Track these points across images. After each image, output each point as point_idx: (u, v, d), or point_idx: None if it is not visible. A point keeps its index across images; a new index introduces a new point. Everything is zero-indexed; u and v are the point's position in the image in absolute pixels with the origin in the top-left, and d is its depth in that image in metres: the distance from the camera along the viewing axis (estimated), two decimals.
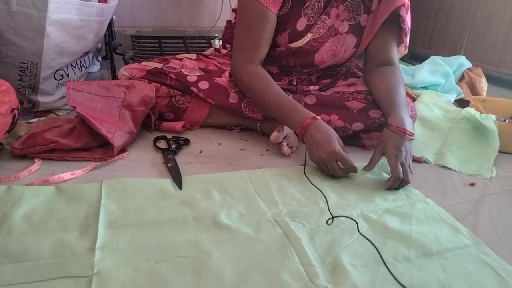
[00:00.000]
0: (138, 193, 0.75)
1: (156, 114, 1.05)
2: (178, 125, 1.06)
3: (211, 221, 0.69)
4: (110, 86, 1.00)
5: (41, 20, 0.97)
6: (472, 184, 0.92)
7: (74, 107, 0.90)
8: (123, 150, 0.93)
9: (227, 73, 1.08)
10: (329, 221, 0.71)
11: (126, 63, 1.42)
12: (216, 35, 2.02)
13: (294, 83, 1.12)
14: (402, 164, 0.84)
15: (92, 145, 0.90)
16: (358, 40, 1.06)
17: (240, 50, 1.01)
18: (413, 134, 0.88)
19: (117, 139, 0.89)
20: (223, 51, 1.21)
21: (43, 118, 1.08)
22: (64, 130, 0.90)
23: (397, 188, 0.85)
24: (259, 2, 0.95)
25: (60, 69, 1.11)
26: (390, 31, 1.04)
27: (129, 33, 1.96)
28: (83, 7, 1.05)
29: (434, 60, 1.62)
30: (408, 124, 0.88)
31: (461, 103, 1.48)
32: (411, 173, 0.86)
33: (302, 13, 1.00)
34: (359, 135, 1.05)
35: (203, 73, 1.08)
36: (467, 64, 1.65)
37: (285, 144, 0.98)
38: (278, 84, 0.99)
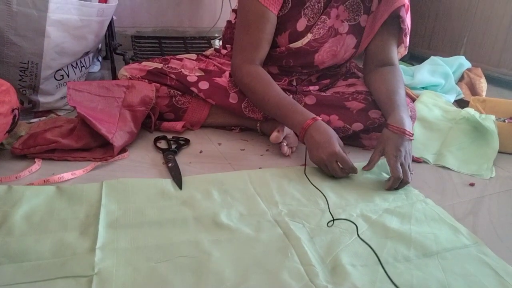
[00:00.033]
0: (139, 193, 0.75)
1: (156, 114, 1.05)
2: (178, 125, 1.06)
3: (211, 221, 0.69)
4: (111, 86, 1.00)
5: (42, 20, 0.97)
6: (472, 184, 0.92)
7: (75, 107, 0.90)
8: (123, 150, 0.93)
9: (227, 73, 1.09)
10: (330, 223, 0.71)
11: (127, 63, 1.42)
12: (216, 35, 2.02)
13: (294, 83, 1.12)
14: (402, 164, 0.84)
15: (92, 145, 0.90)
16: (358, 40, 1.06)
17: (240, 51, 1.01)
18: (413, 134, 0.89)
19: (118, 139, 0.90)
20: (223, 51, 1.21)
21: (44, 118, 1.08)
22: (65, 130, 0.90)
23: (396, 188, 0.85)
24: (259, 2, 0.95)
25: (61, 69, 1.11)
26: (390, 31, 1.04)
27: (129, 33, 1.96)
28: (83, 7, 1.05)
29: (434, 60, 1.62)
30: (408, 125, 0.88)
31: (461, 103, 1.48)
32: (411, 173, 0.86)
33: (302, 13, 1.00)
34: (358, 136, 1.05)
35: (203, 73, 1.08)
36: (467, 64, 1.66)
37: (285, 144, 0.98)
38: (278, 85, 0.99)
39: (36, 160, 0.85)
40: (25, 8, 0.94)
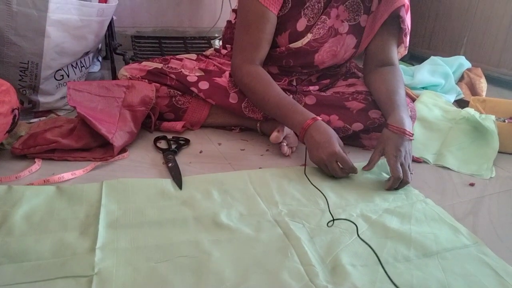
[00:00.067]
0: (139, 193, 0.75)
1: (156, 114, 1.05)
2: (178, 125, 1.06)
3: (211, 221, 0.69)
4: (111, 86, 1.00)
5: (42, 20, 0.97)
6: (472, 184, 0.92)
7: (75, 107, 0.90)
8: (123, 150, 0.93)
9: (227, 73, 1.09)
10: (330, 224, 0.71)
11: (126, 63, 1.42)
12: (216, 35, 2.02)
13: (294, 83, 1.12)
14: (402, 164, 0.84)
15: (92, 145, 0.90)
16: (358, 40, 1.06)
17: (240, 51, 1.01)
18: (413, 134, 0.89)
19: (118, 139, 0.90)
20: (223, 51, 1.21)
21: (44, 118, 1.08)
22: (65, 130, 0.90)
23: (396, 188, 0.85)
24: (259, 2, 0.95)
25: (61, 69, 1.11)
26: (390, 31, 1.04)
27: (129, 33, 1.96)
28: (83, 7, 1.05)
29: (434, 60, 1.62)
30: (408, 125, 0.88)
31: (461, 103, 1.48)
32: (411, 173, 0.86)
33: (302, 13, 1.00)
34: (359, 135, 1.05)
35: (203, 73, 1.08)
36: (467, 64, 1.66)
37: (285, 144, 0.98)
38: (278, 85, 0.99)
39: (36, 160, 0.85)
40: (25, 8, 0.94)
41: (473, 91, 1.55)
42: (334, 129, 0.91)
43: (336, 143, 0.86)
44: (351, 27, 1.04)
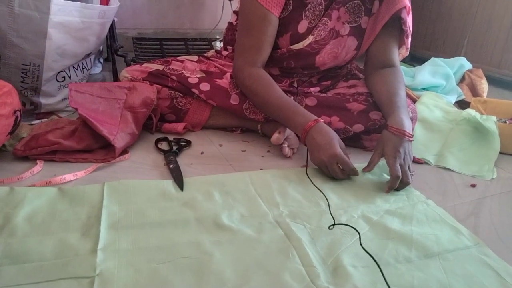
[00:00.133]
0: (140, 195, 0.75)
1: (158, 115, 1.05)
2: (180, 126, 1.06)
3: (213, 222, 0.69)
4: (112, 87, 1.00)
5: (43, 22, 0.97)
6: (473, 185, 0.92)
7: (76, 109, 0.90)
8: (124, 151, 0.93)
9: (228, 74, 1.09)
10: (331, 227, 0.71)
11: (128, 65, 1.42)
12: (217, 37, 2.02)
13: (295, 84, 1.12)
14: (401, 165, 0.84)
15: (94, 146, 0.90)
16: (359, 42, 1.07)
17: (242, 53, 1.01)
18: (413, 135, 0.89)
19: (119, 141, 0.90)
20: (224, 53, 1.22)
21: (45, 119, 1.08)
22: (66, 131, 0.90)
23: (397, 190, 0.85)
24: (260, 4, 0.95)
25: (62, 71, 1.12)
26: (391, 33, 1.04)
27: (131, 35, 1.97)
28: (85, 9, 1.05)
29: (435, 61, 1.62)
30: (408, 126, 0.88)
31: (462, 104, 1.48)
32: (411, 174, 0.86)
33: (303, 15, 1.00)
34: (359, 137, 1.05)
35: (204, 75, 1.08)
36: (468, 65, 1.66)
37: (286, 145, 0.98)
38: (279, 86, 0.99)
39: (37, 161, 0.85)
40: (27, 10, 0.95)
41: (474, 92, 1.55)
42: (335, 131, 0.91)
43: (337, 145, 0.86)
44: (352, 29, 1.04)
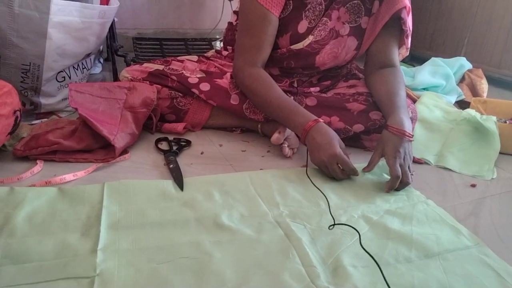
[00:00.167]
0: (140, 195, 0.75)
1: (158, 115, 1.05)
2: (180, 126, 1.06)
3: (212, 222, 0.69)
4: (112, 87, 1.00)
5: (43, 22, 0.97)
6: (473, 185, 0.92)
7: (76, 109, 0.90)
8: (124, 151, 0.93)
9: (228, 74, 1.09)
10: (331, 227, 0.71)
11: (128, 65, 1.42)
12: (217, 37, 2.02)
13: (295, 84, 1.12)
14: (401, 165, 0.84)
15: (94, 146, 0.90)
16: (359, 42, 1.07)
17: (242, 53, 1.01)
18: (413, 135, 0.89)
19: (119, 141, 0.90)
20: (224, 53, 1.22)
21: (45, 119, 1.08)
22: (66, 131, 0.90)
23: (397, 189, 0.85)
24: (261, 4, 0.95)
25: (62, 71, 1.12)
26: (391, 33, 1.04)
27: (131, 35, 1.97)
28: (85, 9, 1.05)
29: (435, 61, 1.62)
30: (407, 126, 0.88)
31: (462, 104, 1.48)
32: (411, 174, 0.86)
33: (303, 15, 1.00)
34: (359, 137, 1.05)
35: (204, 75, 1.08)
36: (468, 65, 1.66)
37: (286, 145, 0.98)
38: (279, 86, 0.99)
39: (37, 161, 0.85)
40: (27, 10, 0.95)
41: (474, 92, 1.55)
42: (335, 131, 0.91)
43: (337, 145, 0.86)
44: (352, 29, 1.04)
